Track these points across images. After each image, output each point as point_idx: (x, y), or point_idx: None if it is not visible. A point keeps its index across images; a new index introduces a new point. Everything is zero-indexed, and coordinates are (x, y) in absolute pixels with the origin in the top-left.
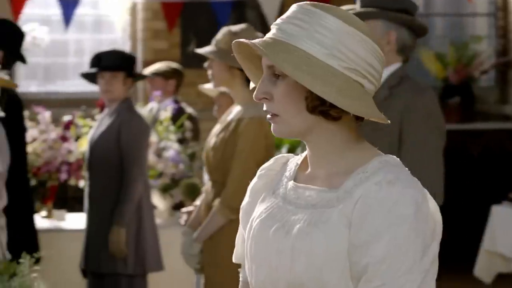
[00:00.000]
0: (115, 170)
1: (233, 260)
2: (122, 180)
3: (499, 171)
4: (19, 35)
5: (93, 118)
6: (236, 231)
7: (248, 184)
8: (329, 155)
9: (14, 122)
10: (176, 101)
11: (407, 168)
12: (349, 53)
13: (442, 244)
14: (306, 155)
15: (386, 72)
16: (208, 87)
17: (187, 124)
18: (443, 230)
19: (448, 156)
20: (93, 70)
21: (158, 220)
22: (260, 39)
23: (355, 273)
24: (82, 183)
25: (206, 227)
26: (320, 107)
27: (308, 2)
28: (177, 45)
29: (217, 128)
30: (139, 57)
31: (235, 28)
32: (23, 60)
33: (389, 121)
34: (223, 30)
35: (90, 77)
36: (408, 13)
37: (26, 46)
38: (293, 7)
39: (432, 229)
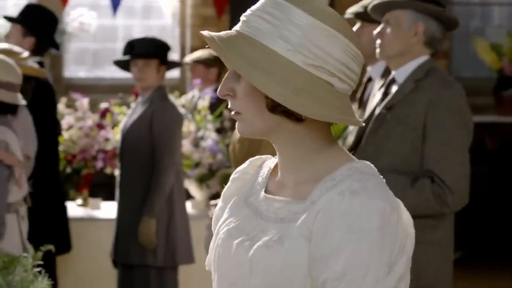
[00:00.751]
0: (146, 159)
1: (206, 267)
2: (153, 169)
3: None
4: (52, 21)
5: (129, 106)
6: None
7: None
8: (296, 159)
9: (44, 109)
10: (217, 90)
11: (381, 177)
12: (316, 49)
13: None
14: None
15: (413, 64)
16: None
17: (226, 113)
18: (499, 226)
19: (503, 150)
20: (126, 57)
21: (194, 211)
22: (224, 32)
23: None
24: (117, 172)
25: None
26: (281, 107)
27: None
28: None
29: None
30: (188, 44)
31: None
32: (56, 46)
33: (363, 123)
34: None
35: (123, 65)
36: (438, 4)
37: (74, 31)
38: None
39: (402, 243)
